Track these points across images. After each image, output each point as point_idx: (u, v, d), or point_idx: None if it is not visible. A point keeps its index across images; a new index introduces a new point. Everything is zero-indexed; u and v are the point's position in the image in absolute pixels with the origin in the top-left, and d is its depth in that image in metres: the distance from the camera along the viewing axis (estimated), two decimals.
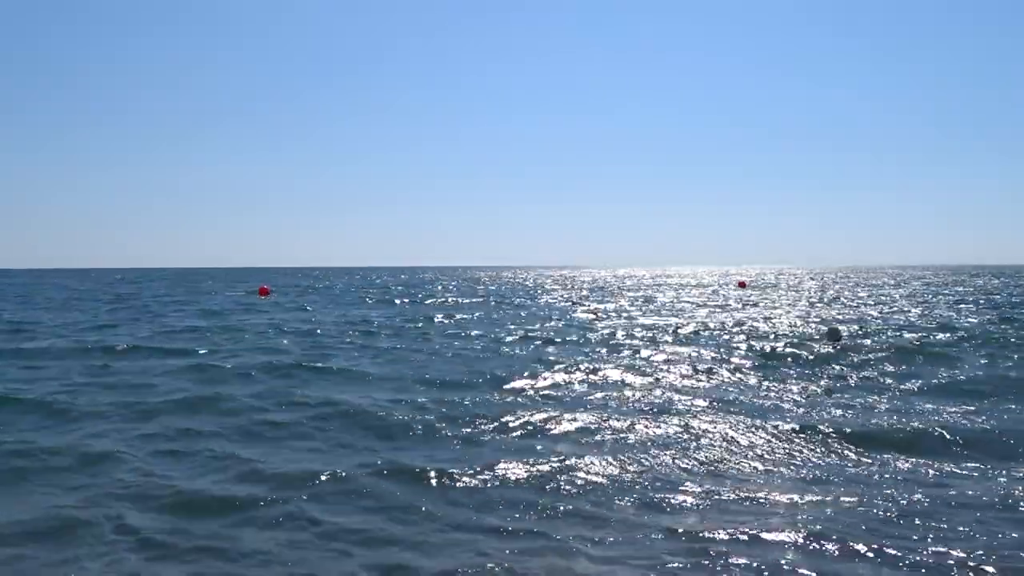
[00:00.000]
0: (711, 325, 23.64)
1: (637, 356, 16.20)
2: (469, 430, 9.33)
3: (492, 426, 9.49)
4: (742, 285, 64.70)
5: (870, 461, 8.01)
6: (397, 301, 40.89)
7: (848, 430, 9.07)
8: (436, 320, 26.74)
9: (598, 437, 8.94)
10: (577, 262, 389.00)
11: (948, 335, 19.51)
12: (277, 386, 12.44)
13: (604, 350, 17.32)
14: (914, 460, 8.01)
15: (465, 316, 28.30)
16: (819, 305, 34.75)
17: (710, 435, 8.93)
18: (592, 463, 7.72)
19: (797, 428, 9.18)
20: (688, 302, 38.47)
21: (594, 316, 27.83)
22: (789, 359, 15.34)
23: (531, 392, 11.91)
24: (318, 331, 22.26)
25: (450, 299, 42.53)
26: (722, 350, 16.92)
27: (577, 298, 43.36)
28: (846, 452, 8.33)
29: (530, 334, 20.89)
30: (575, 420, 9.65)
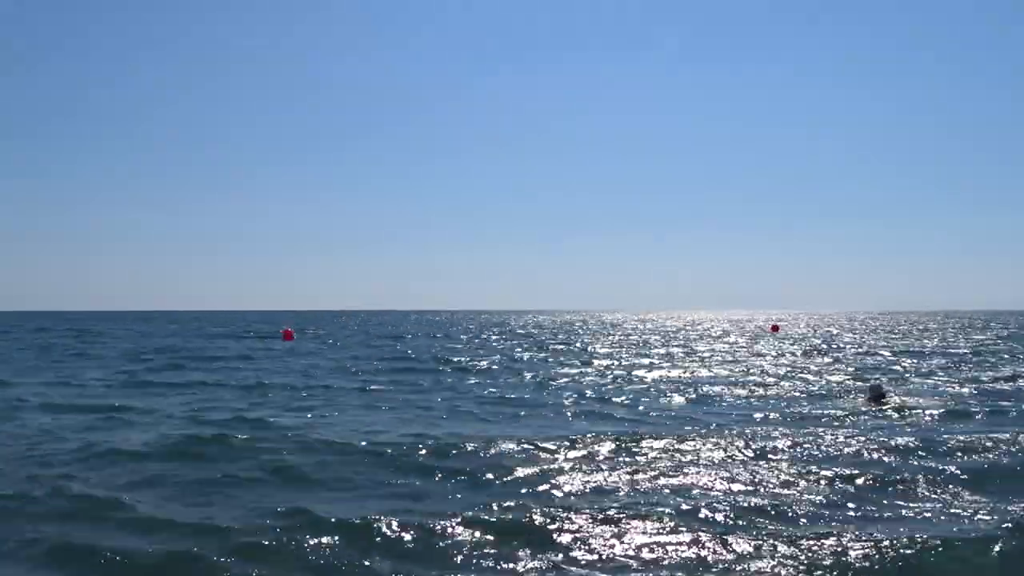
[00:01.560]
0: (743, 375, 21.63)
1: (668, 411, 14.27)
2: None
3: None
4: (775, 329, 62.42)
5: None
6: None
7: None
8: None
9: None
10: (586, 306, 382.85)
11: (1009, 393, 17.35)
12: None
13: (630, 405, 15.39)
14: None
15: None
16: (859, 356, 32.50)
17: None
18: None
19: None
20: (731, 350, 36.34)
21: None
22: (825, 420, 13.33)
23: None
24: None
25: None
26: (753, 407, 14.99)
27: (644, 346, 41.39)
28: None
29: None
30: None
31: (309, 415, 14.53)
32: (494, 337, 51.21)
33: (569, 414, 14.78)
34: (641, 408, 15.61)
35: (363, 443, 11.26)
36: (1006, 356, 29.90)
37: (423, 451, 10.70)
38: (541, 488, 8.83)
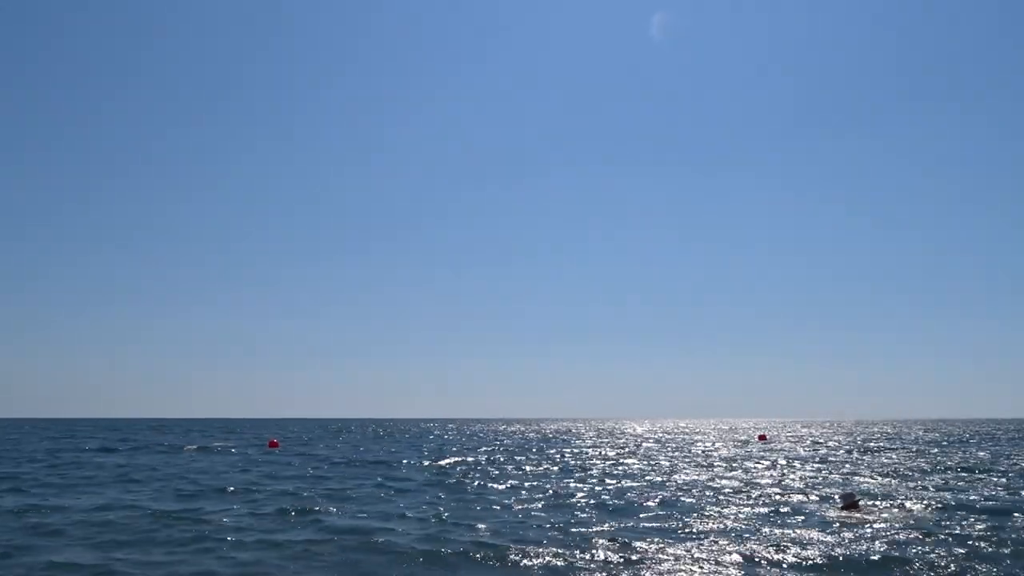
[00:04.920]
0: (721, 485, 22.23)
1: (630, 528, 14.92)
2: None
3: None
4: (762, 439, 62.75)
5: None
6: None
7: None
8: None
9: None
10: (566, 414, 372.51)
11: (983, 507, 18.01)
12: None
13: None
14: None
15: None
16: (843, 463, 33.03)
17: None
18: None
19: None
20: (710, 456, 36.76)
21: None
22: (798, 530, 14.05)
23: None
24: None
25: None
26: (727, 515, 15.66)
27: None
28: None
29: None
30: None
31: None
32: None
33: None
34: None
35: None
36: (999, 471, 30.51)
37: None
38: None
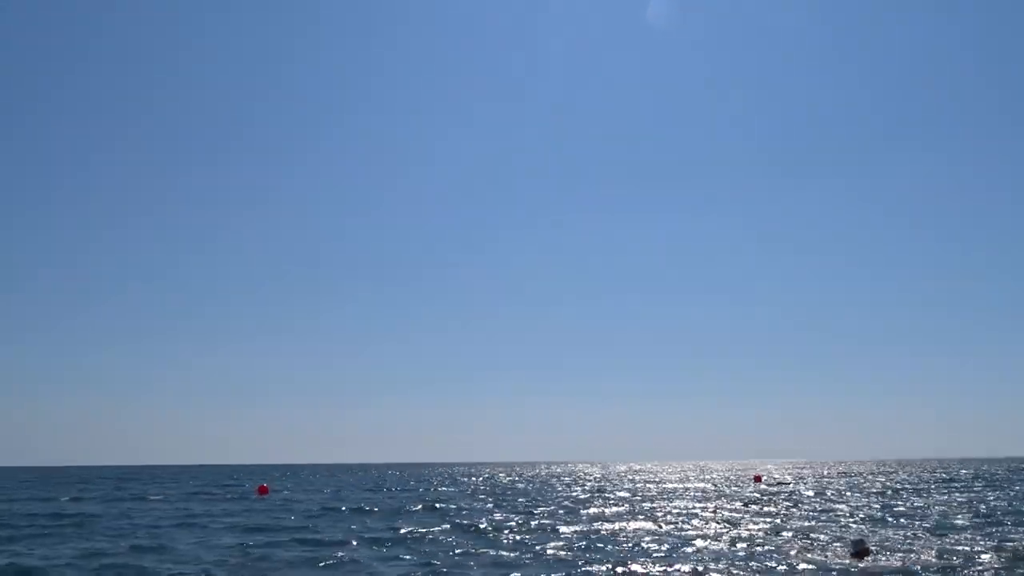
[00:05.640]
0: (718, 533, 20.60)
1: None
2: None
3: None
4: (758, 479, 61.03)
5: None
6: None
7: None
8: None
9: None
10: (554, 457, 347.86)
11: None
12: None
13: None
14: None
15: None
16: (847, 508, 31.38)
17: None
18: None
19: None
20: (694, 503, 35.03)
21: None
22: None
23: None
24: None
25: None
26: (725, 566, 14.08)
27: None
28: None
29: None
30: None
31: None
32: None
33: None
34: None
35: None
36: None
37: None
38: None
